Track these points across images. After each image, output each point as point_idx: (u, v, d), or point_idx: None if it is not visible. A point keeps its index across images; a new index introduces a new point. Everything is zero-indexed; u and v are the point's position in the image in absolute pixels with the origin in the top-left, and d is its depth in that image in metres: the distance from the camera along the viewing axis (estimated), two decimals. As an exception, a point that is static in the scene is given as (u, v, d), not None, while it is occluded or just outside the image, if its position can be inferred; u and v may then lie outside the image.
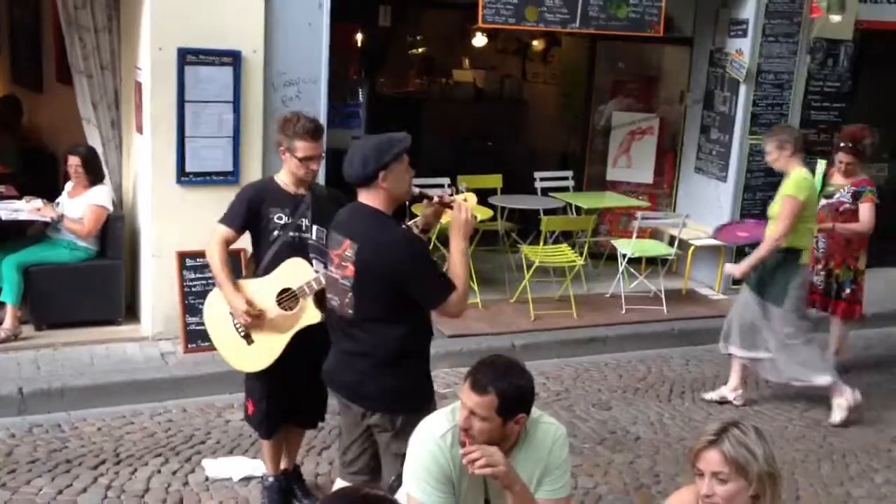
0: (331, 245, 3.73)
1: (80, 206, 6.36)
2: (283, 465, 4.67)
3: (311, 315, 4.22)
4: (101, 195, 6.36)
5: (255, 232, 4.31)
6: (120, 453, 5.05)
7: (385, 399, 3.58)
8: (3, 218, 6.20)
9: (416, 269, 3.55)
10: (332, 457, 5.16)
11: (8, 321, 6.13)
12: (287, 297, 4.19)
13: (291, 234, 4.25)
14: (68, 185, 6.51)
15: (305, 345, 4.18)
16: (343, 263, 3.62)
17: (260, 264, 4.31)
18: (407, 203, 4.41)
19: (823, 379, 6.02)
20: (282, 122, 4.33)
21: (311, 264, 4.18)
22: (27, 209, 6.31)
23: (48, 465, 4.86)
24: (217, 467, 4.85)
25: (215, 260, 4.23)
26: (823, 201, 6.56)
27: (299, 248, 4.22)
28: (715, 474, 2.86)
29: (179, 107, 6.14)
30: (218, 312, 4.30)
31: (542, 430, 3.19)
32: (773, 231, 5.93)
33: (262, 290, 4.21)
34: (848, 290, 6.65)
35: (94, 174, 6.40)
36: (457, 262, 3.65)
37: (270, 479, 4.59)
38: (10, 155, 8.96)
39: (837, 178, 6.64)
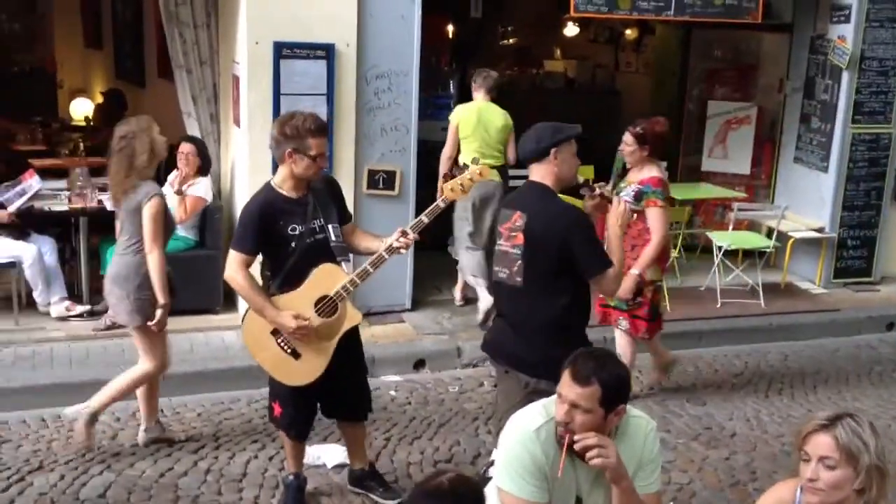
0: (501, 220, 4.09)
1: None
2: (357, 465, 4.63)
3: (352, 317, 4.21)
4: (201, 186, 6.53)
5: (268, 247, 4.13)
6: (219, 438, 5.19)
7: (549, 367, 3.50)
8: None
9: (581, 237, 3.92)
10: (423, 446, 5.21)
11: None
12: (326, 305, 4.10)
13: (308, 240, 4.10)
14: (171, 176, 6.69)
15: (340, 340, 4.18)
16: (512, 234, 3.97)
17: (276, 276, 4.16)
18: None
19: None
20: (282, 123, 4.09)
21: (340, 266, 4.14)
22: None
23: (151, 448, 5.02)
24: (312, 454, 4.92)
25: (244, 286, 4.08)
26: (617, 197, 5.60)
27: (318, 252, 4.10)
28: (823, 459, 2.78)
29: (275, 100, 6.25)
30: (259, 335, 4.17)
31: (633, 424, 3.16)
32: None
33: (298, 302, 4.09)
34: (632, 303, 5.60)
35: (205, 162, 6.58)
36: (614, 245, 4.04)
37: (290, 477, 4.49)
38: (113, 148, 9.27)
39: (632, 174, 5.67)
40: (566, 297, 3.96)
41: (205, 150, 6.63)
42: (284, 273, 4.13)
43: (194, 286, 6.56)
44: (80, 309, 6.48)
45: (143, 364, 4.88)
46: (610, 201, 4.10)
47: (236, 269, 4.10)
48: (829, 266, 8.24)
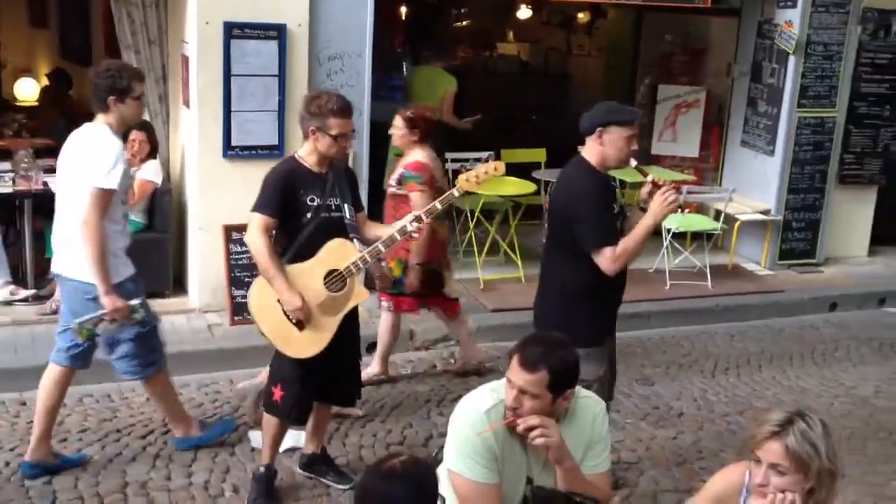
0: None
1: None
2: (310, 449, 4.64)
3: (359, 293, 4.26)
4: (149, 170, 6.44)
5: (286, 215, 4.14)
6: (168, 423, 5.14)
7: (569, 330, 3.51)
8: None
9: (584, 208, 4.02)
10: (376, 429, 5.22)
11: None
12: (335, 279, 4.16)
13: (323, 214, 4.17)
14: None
15: (343, 320, 4.22)
16: (546, 205, 4.24)
17: (290, 246, 4.19)
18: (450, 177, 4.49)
19: None
20: (309, 101, 4.21)
21: (353, 242, 4.20)
22: None
23: (98, 433, 4.97)
24: (256, 438, 4.90)
25: (263, 251, 4.07)
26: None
27: (332, 228, 4.18)
28: (774, 465, 2.81)
29: (225, 81, 6.18)
30: (265, 301, 4.17)
31: (581, 405, 3.20)
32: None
33: (309, 274, 4.14)
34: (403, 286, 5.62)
35: (154, 148, 6.51)
36: (638, 234, 4.02)
37: (261, 469, 4.40)
38: (58, 129, 9.09)
39: (402, 159, 5.62)
40: (582, 263, 4.03)
41: (153, 132, 6.54)
42: (297, 246, 4.16)
43: (143, 269, 6.40)
44: (24, 293, 6.36)
45: None
46: (659, 186, 4.08)
47: (258, 233, 4.09)
48: (774, 248, 8.39)
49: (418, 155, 5.44)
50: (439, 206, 4.30)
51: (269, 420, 4.38)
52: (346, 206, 4.23)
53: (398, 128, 5.51)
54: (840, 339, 7.19)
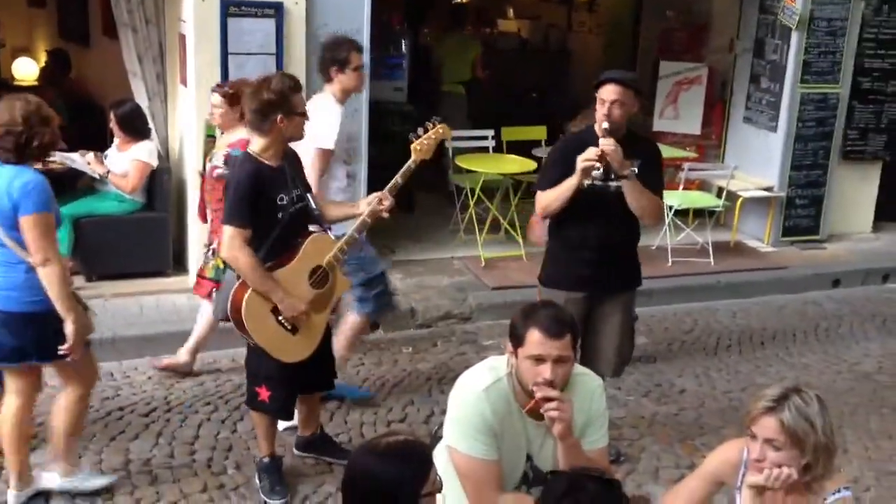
0: None
1: (124, 161, 6.42)
2: (308, 431, 4.62)
3: (342, 284, 4.23)
4: (143, 151, 6.40)
5: (257, 218, 3.96)
6: (170, 402, 5.15)
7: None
8: (58, 161, 6.22)
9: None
10: (377, 407, 5.22)
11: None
12: (319, 276, 4.09)
13: (291, 210, 4.04)
14: (116, 139, 6.57)
15: None
16: None
17: (260, 247, 3.98)
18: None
19: None
20: (260, 91, 3.94)
21: (327, 233, 4.15)
22: (80, 161, 6.41)
23: (101, 412, 4.97)
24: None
25: (250, 266, 3.90)
26: (208, 165, 5.27)
27: (301, 220, 4.11)
28: (769, 441, 2.80)
29: (223, 59, 6.14)
30: (257, 313, 3.99)
31: (580, 381, 3.19)
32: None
33: (295, 276, 4.04)
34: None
35: (133, 132, 6.41)
36: (560, 187, 4.35)
37: (266, 460, 4.35)
38: (58, 109, 8.99)
39: (224, 138, 5.31)
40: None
41: (133, 117, 6.41)
42: (269, 244, 4.00)
43: (143, 248, 6.51)
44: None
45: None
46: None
47: (238, 247, 3.90)
48: (777, 225, 8.36)
49: (243, 133, 4.79)
50: (400, 181, 4.20)
51: (259, 417, 4.32)
52: (308, 195, 4.14)
53: (218, 105, 5.17)
54: (843, 315, 7.18)
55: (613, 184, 4.31)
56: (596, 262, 4.44)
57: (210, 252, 5.24)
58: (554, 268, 4.60)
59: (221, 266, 4.85)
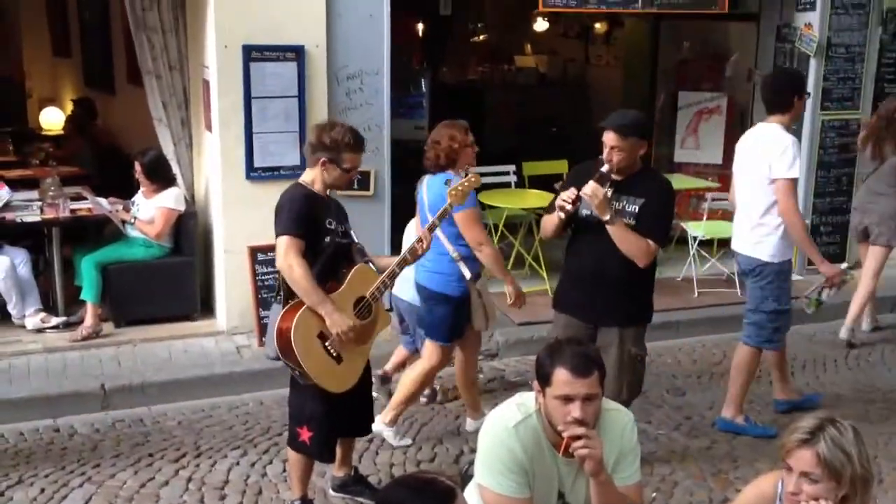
0: None
1: (151, 207, 6.51)
2: (342, 472, 4.61)
3: (384, 319, 4.27)
4: (170, 198, 6.49)
5: (307, 239, 4.04)
6: (200, 446, 5.16)
7: None
8: (90, 206, 6.29)
9: None
10: (406, 447, 5.21)
11: (89, 319, 6.30)
12: (363, 306, 4.11)
13: (338, 239, 4.12)
14: (143, 187, 6.66)
15: None
16: None
17: (310, 268, 4.01)
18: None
19: None
20: (321, 131, 4.15)
21: (370, 266, 4.19)
22: (109, 208, 6.51)
23: (131, 458, 4.99)
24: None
25: (302, 276, 3.92)
26: None
27: (345, 253, 4.16)
28: (805, 474, 2.75)
29: (246, 103, 6.22)
30: (307, 335, 3.97)
31: (610, 417, 3.17)
32: None
33: (341, 304, 4.02)
34: None
35: (159, 179, 6.53)
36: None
37: (297, 502, 4.35)
38: (85, 157, 9.21)
39: None
40: None
41: (158, 165, 6.55)
42: (317, 269, 4.03)
43: (171, 293, 6.57)
44: (55, 321, 6.42)
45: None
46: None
47: (293, 256, 3.93)
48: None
49: None
50: (438, 223, 4.40)
51: (297, 457, 4.31)
52: (352, 231, 4.23)
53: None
54: (874, 342, 7.09)
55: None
56: (589, 292, 4.54)
57: None
58: (559, 289, 4.84)
59: None
